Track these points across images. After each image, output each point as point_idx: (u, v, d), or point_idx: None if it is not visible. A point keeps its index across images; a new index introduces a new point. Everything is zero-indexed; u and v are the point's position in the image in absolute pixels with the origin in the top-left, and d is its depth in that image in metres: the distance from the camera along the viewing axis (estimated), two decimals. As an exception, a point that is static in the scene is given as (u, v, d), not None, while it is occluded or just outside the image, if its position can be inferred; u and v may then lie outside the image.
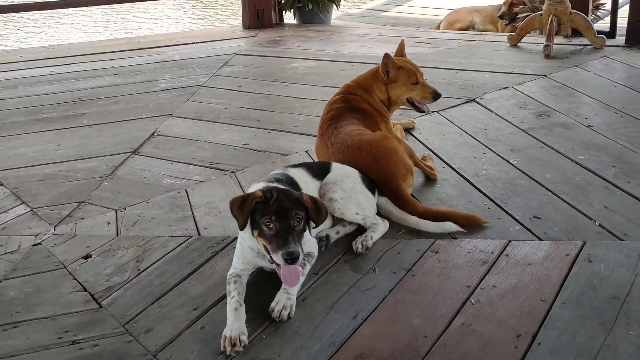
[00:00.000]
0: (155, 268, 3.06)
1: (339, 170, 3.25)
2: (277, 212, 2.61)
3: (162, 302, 2.81)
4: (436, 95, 3.87)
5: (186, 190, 3.79)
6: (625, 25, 5.88)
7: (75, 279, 3.02)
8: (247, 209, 2.66)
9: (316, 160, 3.77)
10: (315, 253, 2.92)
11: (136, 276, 3.01)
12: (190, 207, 3.60)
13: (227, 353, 2.47)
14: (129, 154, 4.36)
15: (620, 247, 2.96)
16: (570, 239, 3.05)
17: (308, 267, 2.84)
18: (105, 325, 2.70)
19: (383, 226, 3.18)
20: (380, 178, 3.36)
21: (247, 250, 2.81)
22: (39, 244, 3.34)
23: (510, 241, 3.06)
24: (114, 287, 2.94)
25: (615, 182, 3.53)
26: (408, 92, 3.86)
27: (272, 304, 2.64)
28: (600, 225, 3.14)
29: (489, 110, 4.64)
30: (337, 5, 7.92)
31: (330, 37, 7.14)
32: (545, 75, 5.22)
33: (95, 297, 2.88)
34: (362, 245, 3.04)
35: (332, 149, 3.54)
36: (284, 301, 2.65)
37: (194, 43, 7.19)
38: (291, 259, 2.55)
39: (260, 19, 7.62)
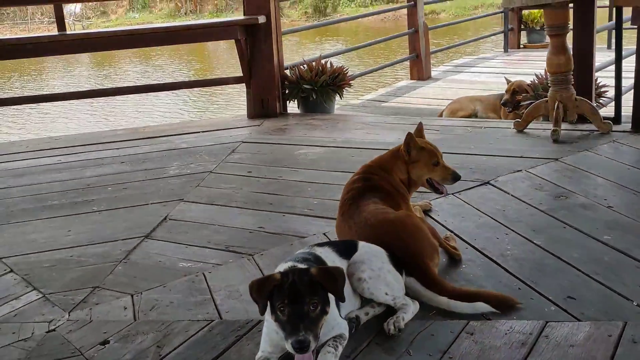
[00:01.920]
0: (177, 353, 2.92)
1: (366, 248, 3.17)
2: (289, 296, 2.51)
3: (188, 389, 2.66)
4: (456, 177, 3.84)
5: (204, 274, 3.69)
6: (630, 111, 5.94)
7: (93, 366, 2.87)
8: (265, 293, 2.57)
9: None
10: (347, 335, 2.79)
11: (158, 362, 2.87)
12: (210, 291, 3.48)
13: None
14: (142, 238, 4.27)
15: (663, 326, 2.85)
16: (610, 320, 2.94)
17: (340, 349, 2.71)
18: (128, 415, 2.54)
19: (414, 307, 3.07)
20: (406, 257, 3.27)
21: (273, 334, 2.69)
22: (54, 330, 3.20)
23: (547, 322, 2.95)
24: (135, 375, 2.79)
25: (646, 261, 3.45)
26: (429, 173, 3.84)
27: None
28: (638, 305, 3.04)
29: (504, 192, 4.60)
30: (341, 96, 8.03)
31: (335, 125, 7.20)
32: (556, 159, 5.22)
33: (116, 386, 2.73)
34: (395, 326, 2.92)
35: (355, 228, 3.47)
36: None
37: (200, 132, 7.22)
38: (300, 347, 2.43)
39: (265, 107, 7.69)
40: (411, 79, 10.83)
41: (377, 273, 3.05)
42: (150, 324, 3.19)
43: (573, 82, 5.85)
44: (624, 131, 5.87)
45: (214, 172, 5.64)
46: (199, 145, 6.58)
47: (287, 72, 7.88)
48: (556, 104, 5.79)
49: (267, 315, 2.67)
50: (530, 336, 2.85)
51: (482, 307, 3.05)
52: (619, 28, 6.05)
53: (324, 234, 4.10)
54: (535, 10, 13.31)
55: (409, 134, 3.80)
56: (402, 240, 3.31)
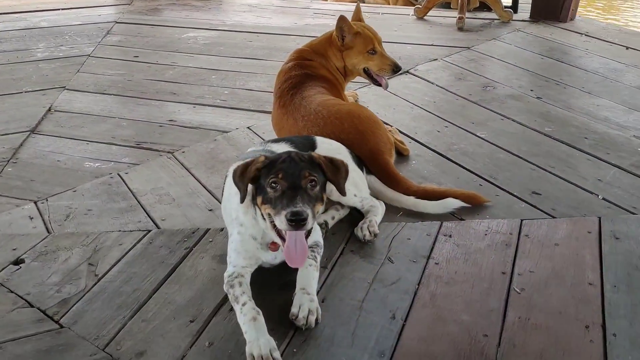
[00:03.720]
0: (118, 272, 2.43)
1: (326, 145, 2.78)
2: (285, 170, 2.14)
3: (145, 315, 2.21)
4: (396, 69, 3.49)
5: (120, 175, 3.13)
6: None
7: (12, 292, 2.32)
8: (248, 177, 2.18)
9: (276, 136, 3.24)
10: (322, 242, 2.44)
11: (96, 284, 2.37)
12: (134, 196, 2.96)
13: None
14: (27, 133, 3.58)
15: (638, 221, 2.76)
16: (583, 215, 2.81)
17: (319, 259, 2.36)
18: (78, 351, 2.05)
19: (381, 208, 2.76)
20: (366, 153, 2.93)
21: (250, 242, 2.29)
22: (-55, 248, 2.57)
23: (522, 220, 2.77)
24: (70, 300, 2.28)
25: (595, 153, 3.36)
26: (365, 62, 3.45)
27: (293, 309, 2.15)
28: (604, 199, 2.94)
29: (428, 82, 4.35)
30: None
31: (218, 7, 6.54)
32: (468, 48, 5.03)
33: (50, 315, 2.21)
34: (370, 231, 2.60)
35: (302, 122, 3.05)
36: (307, 304, 2.16)
37: (60, 9, 6.27)
38: (296, 220, 2.04)
39: (133, -16, 6.81)
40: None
41: (343, 172, 2.68)
42: (71, 237, 2.65)
43: (477, -32, 5.62)
44: (523, 20, 5.79)
45: (93, 55, 4.89)
46: (62, 25, 5.70)
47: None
48: (461, -11, 5.55)
49: (244, 220, 2.28)
50: (511, 236, 2.66)
51: (452, 203, 2.80)
52: None
53: (249, 127, 3.65)
54: None
55: (342, 17, 3.37)
56: (361, 135, 2.96)
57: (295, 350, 2.06)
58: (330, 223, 2.69)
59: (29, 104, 3.98)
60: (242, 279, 2.26)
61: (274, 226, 2.15)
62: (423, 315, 2.23)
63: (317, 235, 2.42)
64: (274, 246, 2.28)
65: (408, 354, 2.06)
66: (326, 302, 2.27)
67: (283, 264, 2.24)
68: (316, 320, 2.14)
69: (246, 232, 2.29)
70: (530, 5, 5.90)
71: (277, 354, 2.00)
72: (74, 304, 2.25)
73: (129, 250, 2.55)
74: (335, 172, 2.25)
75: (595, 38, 5.31)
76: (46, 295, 2.30)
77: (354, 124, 2.97)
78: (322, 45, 3.47)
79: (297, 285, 2.22)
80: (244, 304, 2.15)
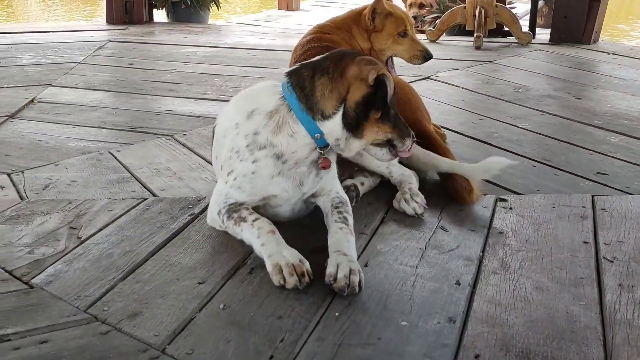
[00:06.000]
0: (107, 234, 1.94)
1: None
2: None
3: (140, 277, 1.71)
4: (427, 56, 3.08)
5: (110, 152, 2.67)
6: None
7: (-30, 253, 1.82)
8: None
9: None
10: (348, 200, 1.97)
11: (78, 245, 1.88)
12: (127, 169, 2.49)
13: (292, 286, 1.64)
14: (6, 117, 3.13)
15: None
16: (661, 193, 2.37)
17: (350, 220, 1.88)
18: (51, 311, 1.55)
19: (415, 177, 2.30)
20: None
21: (267, 170, 1.83)
22: None
23: (593, 196, 2.32)
24: (44, 261, 1.78)
25: (656, 141, 2.95)
26: (394, 46, 3.05)
27: (330, 270, 1.66)
28: (681, 179, 2.51)
29: (453, 85, 3.97)
30: (218, 5, 7.02)
31: (217, 32, 6.22)
32: (490, 62, 4.68)
33: (16, 275, 1.71)
34: (417, 202, 2.13)
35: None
36: (346, 263, 1.67)
37: (49, 31, 5.92)
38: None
39: (129, 13, 6.48)
40: (279, 8, 9.94)
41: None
42: (50, 203, 2.17)
43: (494, -12, 5.35)
44: (542, 43, 5.47)
45: (84, 62, 4.48)
46: (52, 42, 5.31)
47: (155, -27, 6.75)
48: (478, 9, 5.25)
49: (246, 159, 1.84)
50: (584, 209, 2.20)
51: (497, 162, 2.25)
52: None
53: (258, 116, 3.21)
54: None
55: None
56: (397, 99, 2.52)
57: (337, 314, 1.57)
58: (361, 189, 2.22)
59: (9, 96, 3.54)
60: (247, 206, 1.83)
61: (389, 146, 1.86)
62: (495, 281, 1.75)
63: (338, 187, 1.97)
64: (326, 162, 1.84)
65: (485, 320, 1.57)
66: (370, 267, 1.79)
67: (297, 221, 1.88)
68: (359, 284, 1.65)
69: (267, 156, 1.82)
70: (547, 30, 5.61)
71: (308, 265, 1.65)
72: (49, 265, 1.76)
73: (121, 215, 2.07)
74: None
75: (625, 56, 4.99)
76: (14, 256, 1.81)
77: (388, 88, 2.54)
78: (346, 22, 3.06)
79: (330, 250, 1.74)
80: (255, 219, 1.77)
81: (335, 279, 1.64)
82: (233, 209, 1.82)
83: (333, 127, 1.79)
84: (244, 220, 1.78)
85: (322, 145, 1.82)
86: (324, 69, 1.82)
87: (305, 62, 1.93)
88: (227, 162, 1.88)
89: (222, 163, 1.91)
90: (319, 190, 1.93)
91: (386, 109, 1.81)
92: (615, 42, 6.06)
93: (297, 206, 1.95)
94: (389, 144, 1.86)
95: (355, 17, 3.04)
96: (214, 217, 1.92)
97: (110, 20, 6.49)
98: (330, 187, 1.95)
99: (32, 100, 3.45)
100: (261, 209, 1.89)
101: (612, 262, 1.86)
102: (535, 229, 2.05)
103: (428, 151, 2.40)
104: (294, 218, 1.97)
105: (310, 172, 1.87)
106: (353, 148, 1.84)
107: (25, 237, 1.92)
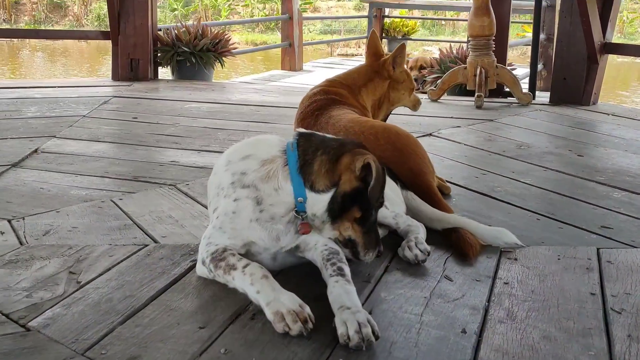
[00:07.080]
0: (107, 279, 1.91)
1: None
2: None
3: (140, 321, 1.68)
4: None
5: (113, 201, 2.66)
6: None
7: (-33, 296, 1.79)
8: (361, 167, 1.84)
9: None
10: (338, 249, 1.92)
11: (77, 289, 1.85)
12: (128, 216, 2.48)
13: (296, 333, 1.58)
14: (8, 166, 3.14)
15: None
16: (668, 247, 2.35)
17: (346, 270, 1.83)
18: (48, 354, 1.51)
19: (422, 228, 2.28)
20: (405, 173, 2.51)
21: (246, 212, 1.81)
22: None
23: (599, 248, 2.30)
24: (42, 305, 1.75)
25: (660, 197, 2.94)
26: (407, 98, 3.14)
27: (341, 330, 1.59)
28: (686, 233, 2.49)
29: (455, 142, 3.98)
30: (222, 64, 7.11)
31: (222, 89, 6.29)
32: (492, 120, 4.72)
33: (14, 319, 1.68)
34: (421, 249, 2.11)
35: (330, 141, 2.62)
36: (353, 318, 1.60)
37: (55, 87, 5.98)
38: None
39: (135, 70, 6.57)
40: (282, 69, 10.09)
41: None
42: (50, 248, 2.14)
43: (494, 48, 5.43)
44: (542, 104, 5.52)
45: (89, 116, 4.52)
46: (57, 96, 5.37)
47: (160, 33, 6.86)
48: (478, 69, 5.32)
49: (229, 195, 1.84)
50: (590, 261, 2.18)
51: (507, 235, 2.30)
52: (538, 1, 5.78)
53: (261, 168, 3.21)
54: (397, 20, 13.21)
55: (404, 44, 3.06)
56: (399, 152, 2.54)
57: (341, 360, 1.53)
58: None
59: (13, 146, 3.55)
60: (232, 251, 1.80)
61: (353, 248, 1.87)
62: (502, 330, 1.71)
63: (327, 240, 1.91)
64: (306, 228, 1.82)
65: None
66: (374, 314, 1.76)
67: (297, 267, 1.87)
68: (374, 334, 1.59)
69: (248, 197, 1.80)
70: (546, 92, 5.67)
71: (309, 310, 1.61)
72: (47, 309, 1.73)
73: (122, 260, 2.05)
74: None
75: (624, 117, 5.03)
76: (11, 299, 1.78)
77: (391, 140, 2.55)
78: (360, 73, 3.07)
79: (334, 308, 1.68)
80: (245, 266, 1.73)
81: (348, 337, 1.57)
82: (218, 257, 1.80)
83: (317, 203, 1.81)
84: (233, 268, 1.75)
85: (301, 210, 1.82)
86: (328, 147, 1.84)
87: (318, 133, 1.95)
88: (214, 200, 1.90)
89: (210, 200, 1.93)
90: (302, 245, 1.89)
91: (368, 213, 1.81)
92: (614, 104, 6.13)
93: (279, 257, 1.90)
94: (352, 246, 1.86)
95: (372, 67, 3.06)
96: (199, 267, 1.90)
97: (116, 77, 6.57)
98: (315, 241, 1.89)
99: (36, 151, 3.46)
100: (244, 256, 1.85)
101: (620, 313, 1.83)
102: (541, 280, 2.03)
103: (433, 209, 2.41)
104: (278, 269, 1.93)
105: (288, 230, 1.85)
106: (324, 232, 1.86)
107: (23, 281, 1.89)
